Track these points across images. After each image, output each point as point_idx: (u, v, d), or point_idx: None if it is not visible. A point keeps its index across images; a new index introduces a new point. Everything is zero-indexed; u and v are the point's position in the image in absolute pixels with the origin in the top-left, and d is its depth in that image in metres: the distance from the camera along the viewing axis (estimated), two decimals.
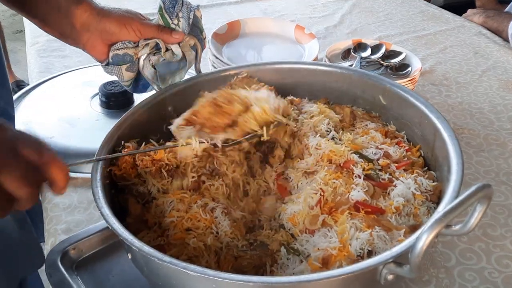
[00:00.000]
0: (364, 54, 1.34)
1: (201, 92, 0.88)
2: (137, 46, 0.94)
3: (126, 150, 0.82)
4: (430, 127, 0.83)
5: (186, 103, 1.00)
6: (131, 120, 0.90)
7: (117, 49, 0.93)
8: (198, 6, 0.99)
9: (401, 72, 1.27)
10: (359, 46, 1.37)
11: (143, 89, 1.02)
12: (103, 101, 1.23)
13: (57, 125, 1.16)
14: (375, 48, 1.36)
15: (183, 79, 1.00)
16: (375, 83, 0.95)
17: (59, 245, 0.84)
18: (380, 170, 0.82)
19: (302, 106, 0.96)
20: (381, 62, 1.31)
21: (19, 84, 3.37)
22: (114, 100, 1.22)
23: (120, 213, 0.77)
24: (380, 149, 0.86)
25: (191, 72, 1.09)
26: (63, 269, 0.80)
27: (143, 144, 0.85)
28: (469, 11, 1.92)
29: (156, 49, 0.94)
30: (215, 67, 1.29)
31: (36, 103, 1.25)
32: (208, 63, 1.33)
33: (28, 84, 1.36)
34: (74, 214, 0.95)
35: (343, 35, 1.75)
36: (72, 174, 1.02)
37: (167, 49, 0.95)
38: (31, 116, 1.19)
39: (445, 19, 1.88)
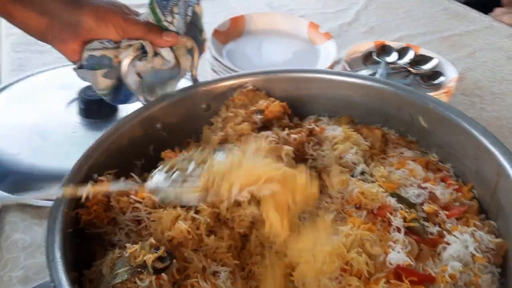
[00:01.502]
0: (389, 59, 1.14)
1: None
2: (119, 47, 0.75)
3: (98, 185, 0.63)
4: (491, 163, 0.65)
5: (179, 119, 0.82)
6: (109, 142, 0.72)
7: (93, 49, 0.74)
8: (198, 0, 0.79)
9: (433, 82, 1.09)
10: (383, 49, 1.18)
11: (125, 100, 0.83)
12: (82, 109, 1.03)
13: (25, 138, 0.96)
14: (402, 52, 1.17)
15: (176, 89, 0.81)
16: (415, 101, 0.77)
17: None
18: (425, 219, 0.63)
19: (326, 130, 0.76)
20: (410, 69, 1.12)
21: None
22: (95, 108, 1.03)
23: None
24: (423, 188, 0.68)
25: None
26: None
27: (122, 178, 0.66)
28: (498, 9, 1.73)
29: (143, 52, 0.75)
30: (214, 71, 1.10)
31: (3, 109, 1.06)
32: (206, 65, 1.14)
33: None
34: (36, 256, 0.76)
35: (359, 34, 1.55)
36: (38, 203, 0.85)
37: (156, 54, 0.76)
38: None
39: (471, 18, 1.69)
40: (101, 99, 1.01)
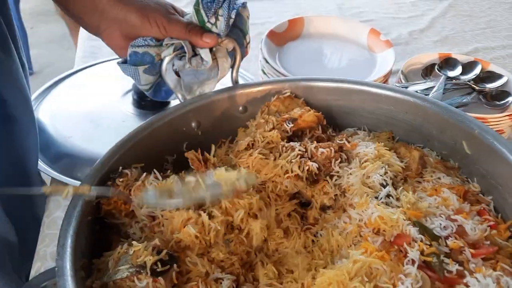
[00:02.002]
0: (451, 73, 1.06)
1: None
2: (161, 45, 0.77)
3: (122, 180, 0.66)
4: None
5: (214, 119, 0.83)
6: (142, 135, 0.75)
7: (137, 46, 0.77)
8: (244, 3, 0.79)
9: (498, 102, 0.99)
10: (447, 62, 1.10)
11: (166, 96, 0.86)
12: (135, 100, 1.08)
13: (79, 122, 1.03)
14: (468, 67, 1.08)
15: (213, 90, 0.82)
16: (459, 124, 0.71)
17: (37, 278, 0.70)
18: (447, 255, 0.58)
19: (358, 146, 0.73)
20: (473, 86, 1.04)
21: None
22: (148, 100, 1.07)
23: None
24: (453, 220, 0.62)
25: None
26: None
27: (151, 172, 0.68)
28: None
29: (183, 52, 0.77)
30: (264, 73, 1.09)
31: (67, 92, 1.14)
32: (258, 66, 1.14)
33: None
34: None
35: (429, 43, 1.46)
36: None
37: (195, 54, 0.77)
38: (58, 107, 1.08)
39: None
40: None
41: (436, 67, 1.09)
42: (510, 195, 0.64)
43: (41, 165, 0.94)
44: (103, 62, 1.26)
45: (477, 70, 1.07)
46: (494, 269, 0.57)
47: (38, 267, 0.77)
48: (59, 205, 0.87)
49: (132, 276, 0.54)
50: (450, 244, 0.59)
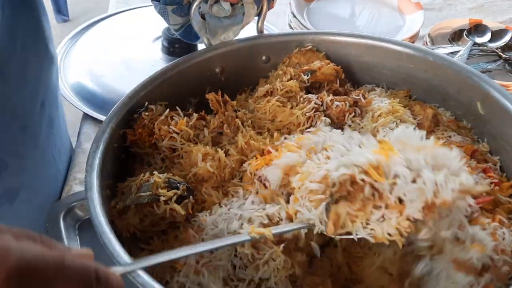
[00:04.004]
0: (479, 40, 1.06)
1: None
2: None
3: (147, 113, 0.71)
4: None
5: (237, 67, 0.86)
6: (167, 76, 0.79)
7: None
8: None
9: None
10: (476, 28, 1.09)
11: (195, 39, 0.89)
12: (164, 46, 1.12)
13: (112, 64, 1.08)
14: (497, 35, 1.07)
15: (237, 37, 0.85)
16: (475, 84, 0.72)
17: (66, 199, 0.77)
18: None
19: (372, 101, 0.75)
20: (500, 53, 1.03)
21: None
22: (177, 46, 1.11)
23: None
24: None
25: None
26: (62, 227, 0.73)
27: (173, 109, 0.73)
28: None
29: None
30: (291, 27, 1.11)
31: (100, 35, 1.19)
32: (285, 22, 1.15)
33: None
34: None
35: (464, 10, 1.43)
36: None
37: (216, 1, 0.80)
38: (92, 50, 1.13)
39: None
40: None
41: (464, 32, 1.08)
42: None
43: (75, 101, 1.00)
44: (136, 8, 1.29)
45: (506, 38, 1.05)
46: (493, 221, 0.60)
47: (67, 190, 0.84)
48: (88, 138, 0.94)
49: (152, 203, 0.59)
50: None
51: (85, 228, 0.76)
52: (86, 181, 0.59)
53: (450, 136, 0.73)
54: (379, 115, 0.73)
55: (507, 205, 0.63)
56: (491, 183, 0.65)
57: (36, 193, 0.84)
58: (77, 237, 0.75)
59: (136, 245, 0.63)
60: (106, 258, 0.71)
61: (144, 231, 0.63)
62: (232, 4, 0.79)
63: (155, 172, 0.64)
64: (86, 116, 0.98)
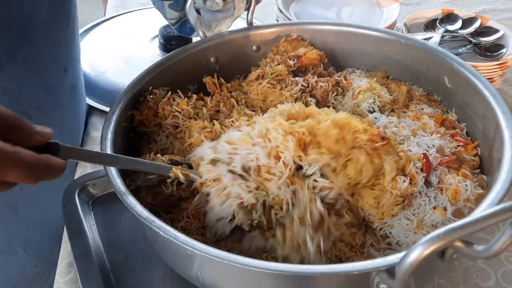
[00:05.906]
0: (451, 27, 1.15)
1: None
2: None
3: (152, 96, 0.79)
4: (492, 122, 0.69)
5: (231, 56, 0.95)
6: (167, 65, 0.87)
7: None
8: None
9: (490, 54, 1.08)
10: (448, 18, 1.18)
11: (190, 33, 0.97)
12: (161, 44, 1.21)
13: (113, 60, 1.17)
14: (467, 22, 1.17)
15: (229, 29, 0.93)
16: (442, 60, 0.81)
17: (80, 178, 0.86)
18: None
19: (353, 82, 0.84)
20: (470, 38, 1.13)
21: None
22: (173, 43, 1.20)
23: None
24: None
25: None
26: (78, 202, 0.81)
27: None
28: None
29: None
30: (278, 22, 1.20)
31: (101, 36, 1.28)
32: (273, 18, 1.25)
33: None
34: None
35: (440, 3, 1.54)
36: None
37: None
38: (94, 49, 1.22)
39: None
40: (178, 37, 1.18)
41: (437, 21, 1.18)
42: (479, 121, 0.75)
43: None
44: (133, 11, 1.38)
45: (476, 25, 1.15)
46: (457, 175, 0.69)
47: (80, 173, 0.92)
48: (96, 127, 1.02)
49: (160, 183, 0.67)
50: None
51: (98, 205, 0.85)
52: (101, 148, 0.67)
53: (422, 108, 0.82)
54: (359, 93, 0.82)
55: (471, 162, 0.72)
56: (458, 145, 0.74)
57: None
58: (91, 211, 0.84)
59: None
60: (117, 230, 0.79)
61: (159, 206, 0.71)
62: None
63: (158, 155, 0.71)
64: (91, 108, 1.06)
